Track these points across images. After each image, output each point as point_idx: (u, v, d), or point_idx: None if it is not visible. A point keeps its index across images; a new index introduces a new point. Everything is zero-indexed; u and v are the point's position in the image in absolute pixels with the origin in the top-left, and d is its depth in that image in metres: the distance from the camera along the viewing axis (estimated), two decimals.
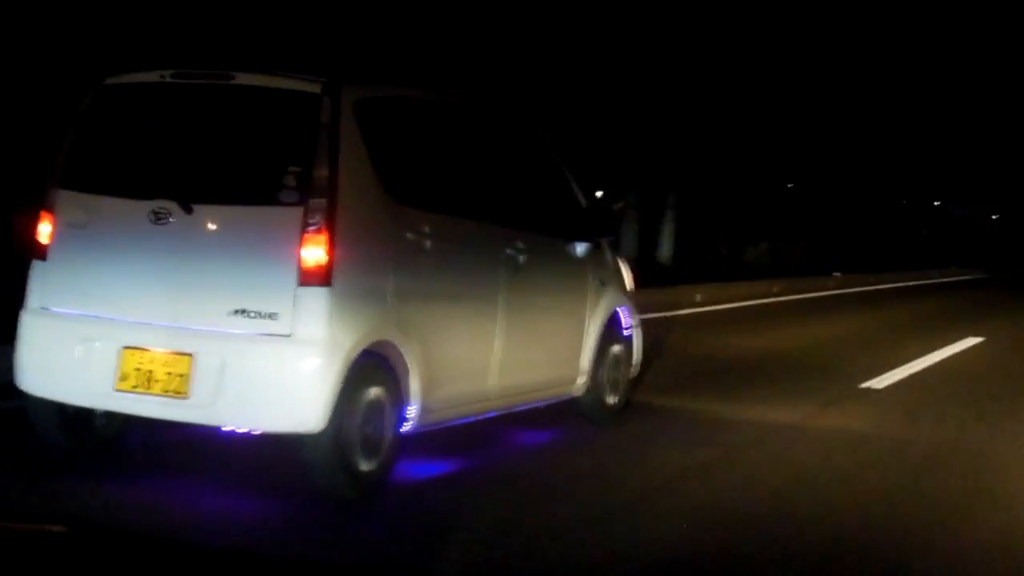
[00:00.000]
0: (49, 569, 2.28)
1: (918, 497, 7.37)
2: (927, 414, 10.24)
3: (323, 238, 6.18)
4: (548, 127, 9.00)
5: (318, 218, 6.19)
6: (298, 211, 6.21)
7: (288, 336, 6.16)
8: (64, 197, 6.71)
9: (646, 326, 9.54)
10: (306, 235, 6.18)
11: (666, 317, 16.32)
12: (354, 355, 6.27)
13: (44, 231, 6.72)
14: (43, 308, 6.67)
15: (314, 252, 6.17)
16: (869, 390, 11.41)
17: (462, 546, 5.83)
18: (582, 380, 8.52)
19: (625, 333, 9.07)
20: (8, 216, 9.20)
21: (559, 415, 8.66)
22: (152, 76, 6.78)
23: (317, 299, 6.16)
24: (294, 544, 5.72)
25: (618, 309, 8.93)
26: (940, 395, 11.43)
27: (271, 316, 6.17)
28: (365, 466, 6.43)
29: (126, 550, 2.47)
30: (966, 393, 11.69)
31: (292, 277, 6.17)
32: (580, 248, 8.48)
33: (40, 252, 6.72)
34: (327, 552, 5.67)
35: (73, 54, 13.33)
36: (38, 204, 6.80)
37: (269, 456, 6.81)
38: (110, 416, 6.80)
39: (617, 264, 9.05)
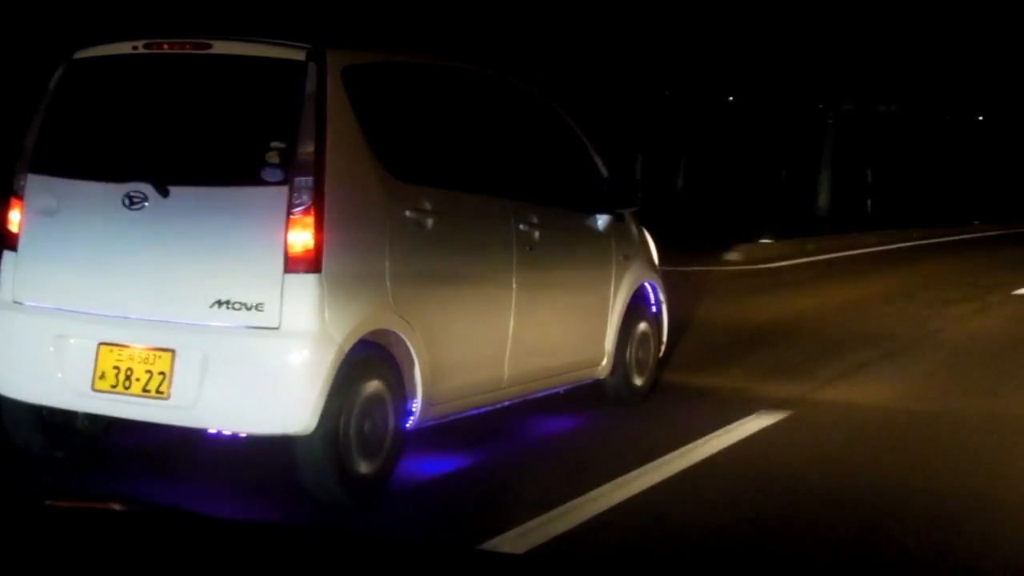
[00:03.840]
0: (105, 547, 2.24)
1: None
2: None
3: (311, 220, 5.64)
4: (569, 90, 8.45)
5: (305, 198, 5.65)
6: (283, 191, 5.66)
7: (275, 328, 5.62)
8: (34, 182, 6.20)
9: None
10: (292, 217, 5.64)
11: None
12: (348, 347, 5.73)
13: (14, 219, 6.22)
14: (15, 302, 6.17)
15: (301, 236, 5.63)
16: None
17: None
18: (606, 361, 7.95)
19: (652, 310, 8.50)
20: None
21: (582, 399, 8.10)
22: (124, 48, 6.23)
23: (306, 287, 5.62)
24: None
25: (644, 284, 8.37)
26: None
27: (256, 307, 5.64)
28: (364, 468, 5.90)
29: (183, 528, 2.46)
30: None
31: (278, 264, 5.63)
32: (601, 221, 7.90)
33: (10, 242, 6.22)
34: None
35: (42, 27, 12.82)
36: (7, 190, 6.29)
37: (265, 457, 6.28)
38: (92, 417, 6.29)
39: (643, 236, 8.46)
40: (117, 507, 2.53)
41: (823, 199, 29.81)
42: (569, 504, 6.00)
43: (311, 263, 5.63)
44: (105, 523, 2.43)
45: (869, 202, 32.73)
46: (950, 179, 42.02)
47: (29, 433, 6.33)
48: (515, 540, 5.45)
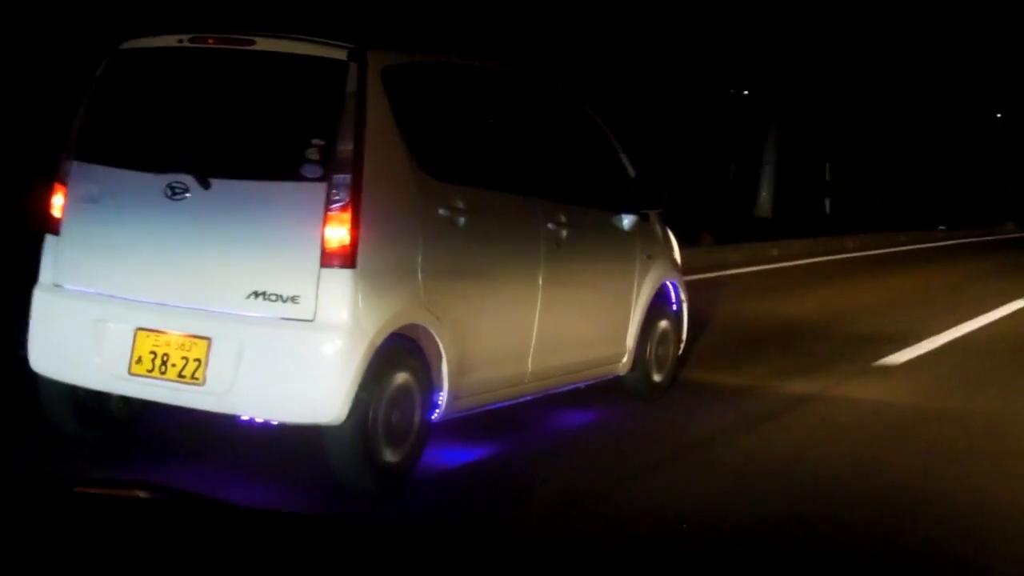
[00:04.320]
0: (132, 534, 2.27)
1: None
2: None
3: (348, 216, 5.78)
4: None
5: (343, 195, 5.79)
6: (321, 187, 5.81)
7: (310, 321, 5.78)
8: (78, 169, 6.35)
9: None
10: (330, 213, 5.79)
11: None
12: (380, 340, 5.88)
13: (57, 204, 6.38)
14: (56, 285, 6.33)
15: (338, 231, 5.78)
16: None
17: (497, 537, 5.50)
18: (627, 358, 8.11)
19: (673, 308, 8.64)
20: (23, 188, 8.88)
21: (602, 394, 8.25)
22: (170, 41, 6.38)
23: (341, 281, 5.77)
24: None
25: (666, 283, 8.51)
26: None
27: (292, 299, 5.80)
28: (390, 456, 6.06)
29: (209, 516, 2.49)
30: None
31: (314, 258, 5.78)
32: (627, 220, 8.05)
33: (53, 226, 6.37)
34: None
35: (90, 17, 12.98)
36: (51, 176, 6.45)
37: (293, 443, 6.45)
38: (125, 400, 6.46)
39: (667, 236, 8.60)
40: (142, 494, 2.58)
41: (764, 198, 27.55)
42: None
43: (346, 258, 5.78)
44: (131, 510, 2.47)
45: (827, 201, 30.21)
46: (922, 179, 39.98)
47: (64, 414, 6.48)
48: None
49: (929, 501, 6.57)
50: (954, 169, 42.00)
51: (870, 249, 23.35)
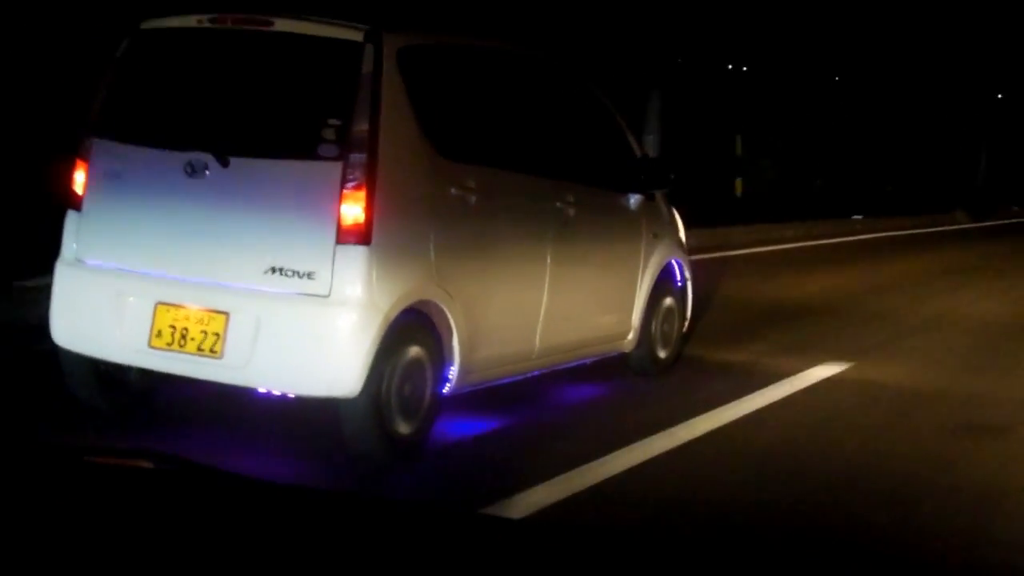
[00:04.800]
0: (136, 504, 2.29)
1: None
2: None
3: (363, 195, 5.94)
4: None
5: (358, 174, 5.95)
6: (337, 166, 5.97)
7: (325, 296, 5.94)
8: (99, 146, 6.51)
9: None
10: (345, 191, 5.94)
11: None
12: (394, 315, 6.05)
13: (79, 180, 6.53)
14: (77, 260, 6.49)
15: (353, 209, 5.94)
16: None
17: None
18: (632, 335, 8.27)
19: (678, 286, 8.80)
20: (44, 163, 9.04)
21: (607, 370, 8.42)
22: (189, 21, 6.53)
23: (356, 258, 5.93)
24: None
25: (671, 261, 8.67)
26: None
27: (308, 275, 5.96)
28: (403, 428, 6.23)
29: (213, 487, 2.50)
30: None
31: (330, 235, 5.94)
32: (633, 200, 8.21)
33: (75, 202, 6.53)
34: None
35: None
36: (73, 152, 6.61)
37: (305, 414, 6.62)
38: (144, 373, 6.62)
39: (672, 216, 8.76)
40: (150, 464, 2.61)
41: None
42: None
43: (361, 235, 5.94)
44: (139, 480, 2.50)
45: (739, 182, 24.98)
46: (871, 160, 34.97)
47: (85, 385, 6.66)
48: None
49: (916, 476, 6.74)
50: (908, 149, 37.66)
51: (759, 245, 18.52)
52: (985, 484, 6.67)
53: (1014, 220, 31.48)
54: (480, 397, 7.14)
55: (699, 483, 6.38)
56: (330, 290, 5.93)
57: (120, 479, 2.46)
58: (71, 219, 6.54)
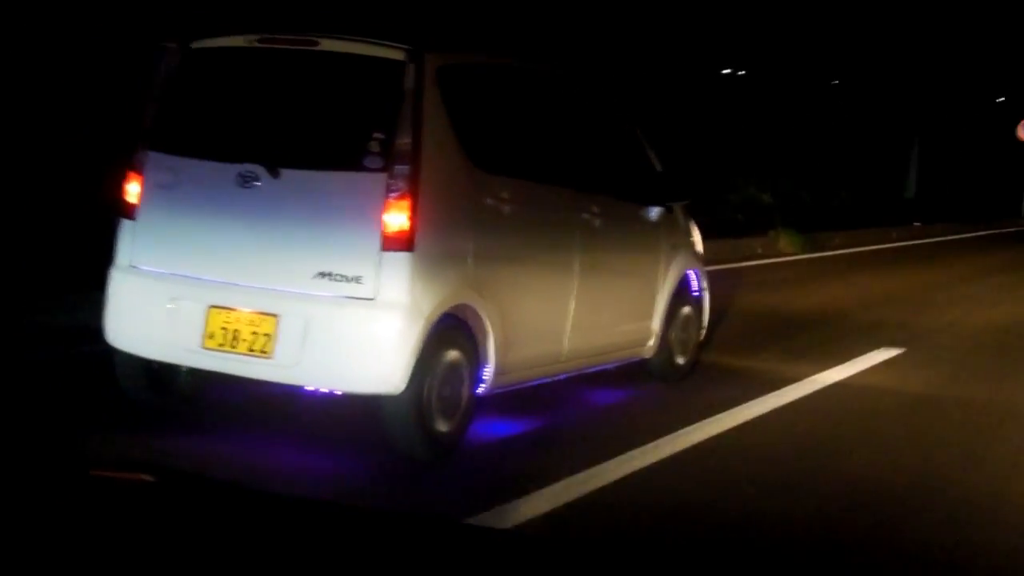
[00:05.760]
0: (138, 518, 2.33)
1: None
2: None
3: (406, 204, 6.30)
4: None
5: (401, 184, 6.31)
6: (382, 177, 6.32)
7: (371, 300, 6.29)
8: (152, 159, 6.86)
9: None
10: (390, 201, 6.30)
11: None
12: (435, 318, 6.41)
13: (132, 191, 6.88)
14: (132, 266, 6.83)
15: (397, 218, 6.29)
16: None
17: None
18: (652, 342, 8.63)
19: (695, 295, 9.16)
20: (97, 176, 9.40)
21: (629, 375, 8.77)
22: (238, 41, 6.91)
23: (400, 264, 6.29)
24: (369, 499, 5.89)
25: (689, 271, 9.02)
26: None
27: (355, 279, 6.31)
28: (442, 426, 6.58)
29: (216, 500, 2.53)
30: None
31: (376, 242, 6.29)
32: (654, 212, 8.58)
33: (128, 211, 6.87)
34: (404, 508, 5.85)
35: (161, 18, 13.51)
36: (126, 165, 6.96)
37: (345, 413, 6.96)
38: (193, 373, 6.97)
39: (689, 227, 9.12)
40: (149, 478, 2.63)
41: None
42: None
43: (405, 242, 6.30)
44: (142, 494, 2.52)
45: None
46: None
47: (137, 385, 7.00)
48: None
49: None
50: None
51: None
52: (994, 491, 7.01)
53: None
54: (507, 399, 7.49)
55: (703, 488, 6.61)
56: (376, 293, 6.28)
57: (123, 493, 2.49)
58: (125, 228, 6.88)
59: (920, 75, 36.12)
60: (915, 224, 27.07)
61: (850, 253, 21.12)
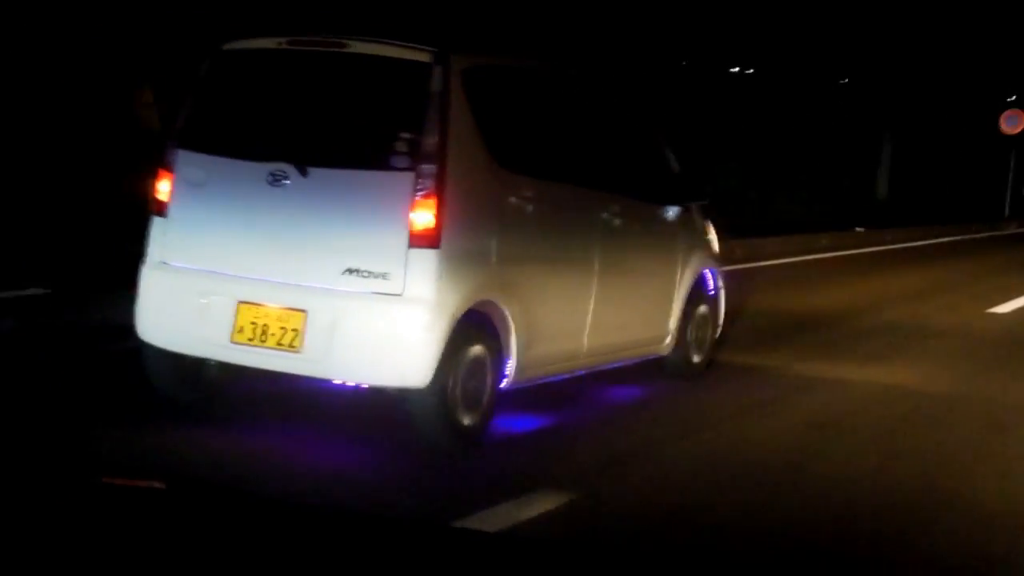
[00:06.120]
0: (148, 525, 2.36)
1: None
2: None
3: (432, 202, 6.46)
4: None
5: (428, 183, 6.47)
6: (409, 176, 6.48)
7: (398, 295, 6.44)
8: (183, 157, 7.01)
9: None
10: (417, 199, 6.46)
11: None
12: (460, 314, 6.56)
13: (163, 189, 7.03)
14: (162, 263, 6.98)
15: (424, 216, 6.45)
16: None
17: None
18: (669, 340, 8.78)
19: (711, 293, 9.31)
20: (127, 174, 9.58)
21: (646, 373, 8.92)
22: (268, 43, 7.07)
23: (426, 260, 6.44)
24: (394, 492, 6.07)
25: (705, 271, 9.17)
26: None
27: (382, 276, 6.46)
28: (467, 419, 6.73)
29: (226, 507, 2.57)
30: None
31: (403, 239, 6.45)
32: (671, 212, 8.73)
33: (159, 209, 7.03)
34: (426, 500, 5.99)
35: (190, 20, 13.70)
36: (157, 163, 7.13)
37: (367, 407, 7.12)
38: (221, 367, 7.12)
39: (705, 227, 9.27)
40: (159, 485, 2.68)
41: None
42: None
43: (432, 240, 6.46)
44: (153, 501, 2.56)
45: None
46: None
47: (167, 379, 7.15)
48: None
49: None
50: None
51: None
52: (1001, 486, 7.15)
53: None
54: (532, 394, 7.65)
55: (696, 489, 6.69)
56: (403, 289, 6.44)
57: (134, 500, 2.52)
58: (156, 225, 7.03)
59: (892, 67, 33.37)
60: (857, 229, 23.56)
61: (770, 266, 17.56)
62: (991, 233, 29.46)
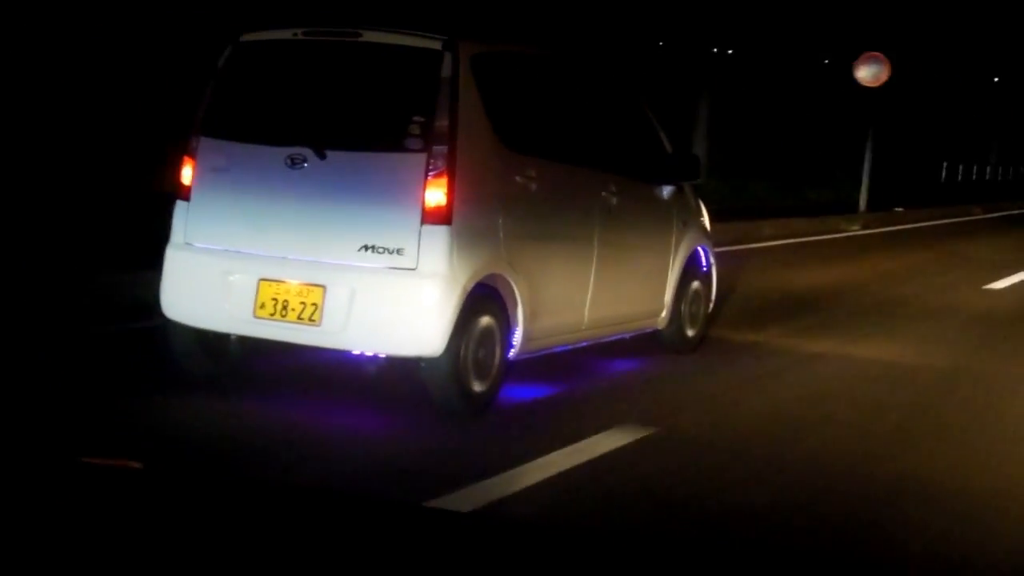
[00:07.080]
0: (125, 505, 2.39)
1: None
2: None
3: (444, 181, 6.86)
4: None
5: (439, 164, 6.87)
6: (422, 157, 6.88)
7: (413, 270, 6.84)
8: (206, 144, 7.40)
9: None
10: (429, 179, 6.86)
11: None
12: (470, 287, 6.96)
13: (187, 174, 7.42)
14: (187, 243, 7.37)
15: (436, 194, 6.85)
16: None
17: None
18: (665, 313, 9.19)
19: (704, 270, 9.72)
20: (153, 160, 9.96)
21: (643, 346, 9.34)
22: (285, 34, 7.46)
23: (439, 236, 6.84)
24: (410, 455, 6.47)
25: (698, 248, 9.58)
26: None
27: (397, 251, 6.86)
28: (477, 387, 7.13)
29: (202, 489, 2.59)
30: None
31: (416, 216, 6.85)
32: (666, 191, 9.14)
33: (183, 193, 7.42)
34: (439, 463, 6.38)
35: (209, 13, 14.07)
36: (181, 150, 7.52)
37: (382, 378, 7.51)
38: (242, 342, 7.50)
39: (699, 206, 9.68)
40: (137, 465, 2.69)
41: None
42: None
43: (443, 217, 6.86)
44: (130, 481, 2.58)
45: None
46: None
47: (191, 354, 7.53)
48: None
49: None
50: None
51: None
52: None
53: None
54: (537, 365, 8.05)
55: (720, 442, 7.17)
56: (417, 264, 6.84)
57: (111, 480, 2.56)
58: (180, 208, 7.42)
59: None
60: None
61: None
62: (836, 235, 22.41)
